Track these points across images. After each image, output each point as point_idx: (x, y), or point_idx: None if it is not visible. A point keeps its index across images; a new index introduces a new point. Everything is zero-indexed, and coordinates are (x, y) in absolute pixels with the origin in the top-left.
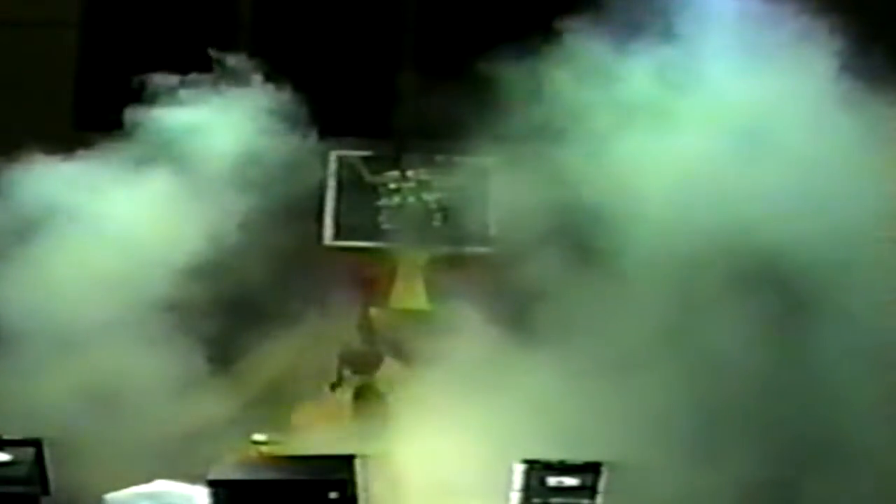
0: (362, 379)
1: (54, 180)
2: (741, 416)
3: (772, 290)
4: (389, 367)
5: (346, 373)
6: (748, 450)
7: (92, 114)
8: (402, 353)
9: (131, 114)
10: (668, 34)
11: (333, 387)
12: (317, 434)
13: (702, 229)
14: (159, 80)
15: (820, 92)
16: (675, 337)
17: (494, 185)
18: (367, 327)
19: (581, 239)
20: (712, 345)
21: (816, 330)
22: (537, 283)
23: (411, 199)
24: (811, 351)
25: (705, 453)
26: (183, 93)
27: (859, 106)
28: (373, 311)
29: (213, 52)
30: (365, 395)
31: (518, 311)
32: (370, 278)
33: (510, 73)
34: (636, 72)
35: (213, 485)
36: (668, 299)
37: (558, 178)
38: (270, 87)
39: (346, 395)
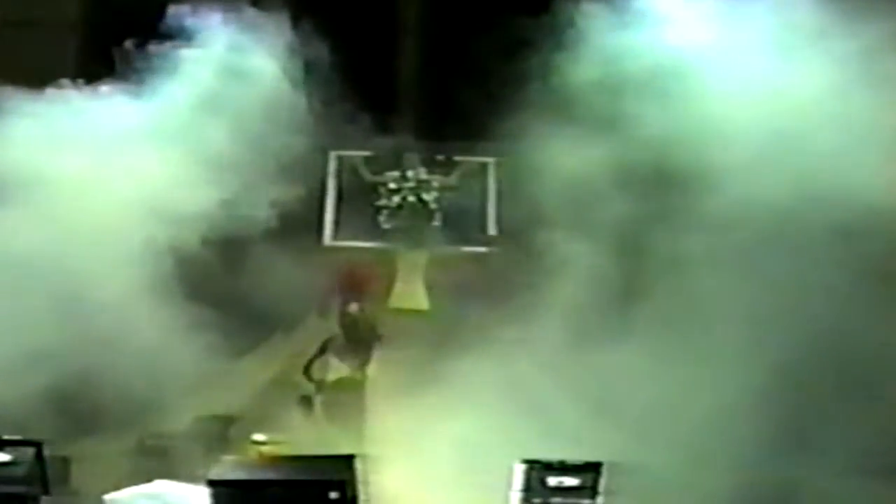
0: (349, 370)
1: (56, 132)
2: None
3: (867, 245)
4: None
5: (335, 361)
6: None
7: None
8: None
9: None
10: None
11: (306, 369)
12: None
13: (793, 184)
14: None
15: None
16: (773, 298)
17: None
18: (348, 322)
19: (671, 197)
20: (812, 303)
21: None
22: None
23: (411, 199)
24: None
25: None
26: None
27: None
28: (354, 307)
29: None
30: (345, 387)
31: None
32: (356, 275)
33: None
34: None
35: (213, 485)
36: (763, 255)
37: (648, 138)
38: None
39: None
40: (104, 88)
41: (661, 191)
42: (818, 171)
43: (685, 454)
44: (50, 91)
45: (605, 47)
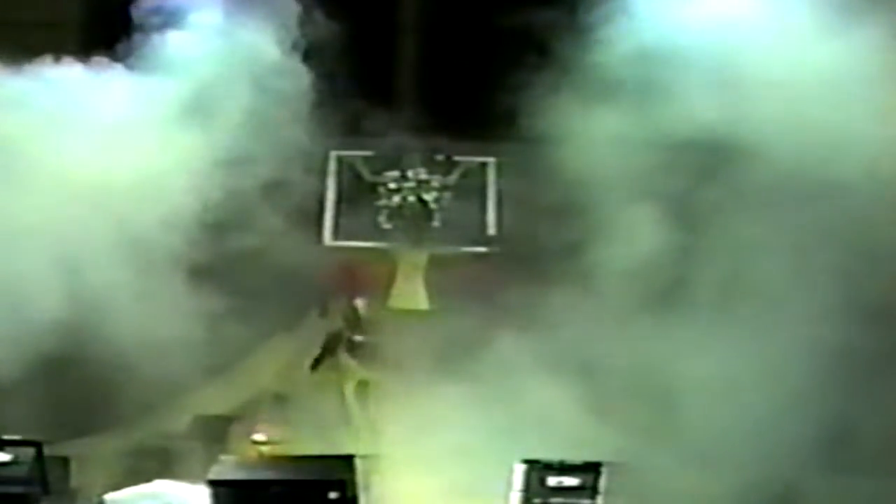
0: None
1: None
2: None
3: None
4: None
5: (350, 361)
6: None
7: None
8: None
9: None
10: None
11: (313, 367)
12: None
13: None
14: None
15: None
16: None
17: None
18: (352, 319)
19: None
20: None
21: None
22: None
23: (411, 199)
24: None
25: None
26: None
27: None
28: (360, 303)
29: None
30: (359, 389)
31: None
32: (359, 272)
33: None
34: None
35: (213, 485)
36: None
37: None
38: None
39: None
40: (103, 72)
41: (695, 170)
42: (863, 149)
43: (702, 453)
44: (49, 72)
45: (632, 26)
